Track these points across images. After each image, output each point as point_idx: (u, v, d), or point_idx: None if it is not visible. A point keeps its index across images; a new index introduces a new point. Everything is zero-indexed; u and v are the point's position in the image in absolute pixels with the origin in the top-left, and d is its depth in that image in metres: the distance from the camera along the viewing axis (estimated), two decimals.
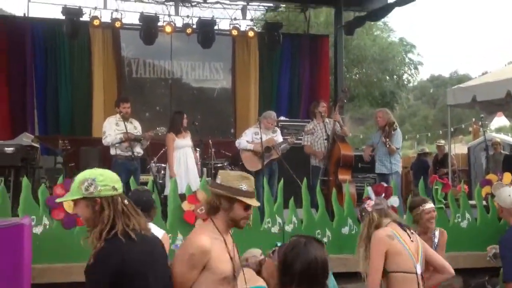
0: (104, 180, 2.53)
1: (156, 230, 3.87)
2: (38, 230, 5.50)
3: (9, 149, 7.29)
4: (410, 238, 3.60)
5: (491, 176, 7.17)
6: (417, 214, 4.53)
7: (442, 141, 12.09)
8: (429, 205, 4.59)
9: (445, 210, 6.68)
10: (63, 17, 10.65)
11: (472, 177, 12.41)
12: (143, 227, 2.57)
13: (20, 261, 4.64)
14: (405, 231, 3.63)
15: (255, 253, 4.53)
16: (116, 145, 7.50)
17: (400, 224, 3.68)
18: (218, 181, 2.80)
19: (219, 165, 9.63)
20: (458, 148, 15.95)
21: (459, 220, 6.75)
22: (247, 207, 2.80)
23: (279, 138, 8.18)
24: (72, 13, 10.61)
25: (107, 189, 2.52)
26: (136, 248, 2.47)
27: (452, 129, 10.73)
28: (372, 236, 3.62)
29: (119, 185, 2.57)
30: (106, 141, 7.57)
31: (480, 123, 10.56)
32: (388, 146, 7.62)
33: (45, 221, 5.55)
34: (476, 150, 13.25)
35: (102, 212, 2.48)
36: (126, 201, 2.56)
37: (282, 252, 2.55)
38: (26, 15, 11.22)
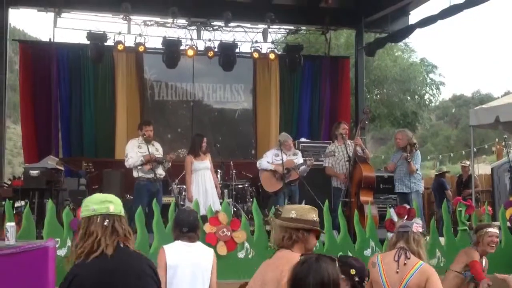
0: (87, 201, 2.64)
1: (207, 249, 3.95)
2: (62, 252, 5.57)
3: (34, 172, 7.42)
4: (397, 268, 3.59)
5: None
6: (480, 235, 4.96)
7: (467, 162, 11.94)
8: (493, 230, 4.98)
9: (468, 232, 6.60)
10: (88, 42, 10.86)
11: (495, 198, 12.22)
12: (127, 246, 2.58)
13: (44, 284, 4.69)
14: (397, 261, 3.62)
15: None
16: (139, 167, 7.60)
17: (403, 252, 3.65)
18: (292, 215, 3.02)
19: (239, 186, 9.67)
20: (481, 169, 15.70)
21: None
22: (317, 236, 3.09)
23: (299, 160, 8.20)
24: (97, 38, 10.83)
25: (85, 210, 2.60)
26: (92, 268, 2.48)
27: (475, 150, 10.60)
28: None
29: (101, 206, 2.58)
30: (128, 163, 7.68)
31: (503, 143, 10.44)
32: (409, 162, 7.58)
33: (69, 243, 5.62)
34: (500, 171, 13.05)
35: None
36: (106, 222, 2.54)
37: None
38: (52, 40, 11.48)
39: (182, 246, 3.89)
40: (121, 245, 2.57)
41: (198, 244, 3.95)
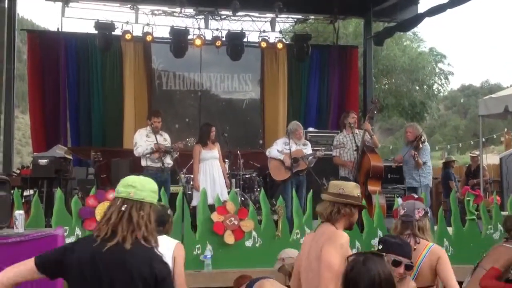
0: (120, 182, 2.61)
1: (168, 241, 3.89)
2: (70, 240, 5.60)
3: (43, 161, 7.46)
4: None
5: None
6: None
7: (476, 152, 11.89)
8: None
9: (477, 221, 6.58)
10: (96, 32, 10.86)
11: (504, 188, 12.18)
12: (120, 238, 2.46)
13: None
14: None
15: (291, 254, 4.60)
16: (147, 156, 7.64)
17: (412, 238, 3.67)
18: (341, 191, 3.22)
19: (247, 176, 9.68)
20: (490, 159, 15.63)
21: (492, 231, 6.66)
22: (361, 211, 3.34)
23: (308, 151, 8.19)
24: (105, 28, 10.82)
25: (116, 191, 2.60)
26: (86, 251, 2.45)
27: (483, 139, 10.55)
28: None
29: (124, 189, 2.53)
30: (138, 151, 7.72)
31: None
32: (416, 159, 7.58)
33: (78, 231, 5.67)
34: (509, 161, 13.00)
35: None
36: (123, 207, 2.48)
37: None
38: (60, 30, 11.49)
39: None
40: (137, 239, 2.46)
41: (163, 237, 3.90)
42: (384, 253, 3.19)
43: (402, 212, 3.81)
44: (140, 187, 2.51)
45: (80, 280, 2.42)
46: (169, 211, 4.11)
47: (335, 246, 3.05)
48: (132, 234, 2.44)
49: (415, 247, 3.61)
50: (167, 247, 3.82)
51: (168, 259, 3.77)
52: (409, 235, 3.69)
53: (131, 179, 2.56)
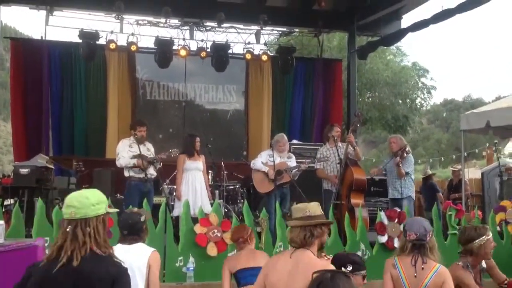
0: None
1: (144, 249, 3.85)
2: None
3: (24, 170, 7.39)
4: (415, 272, 3.65)
5: (505, 203, 7.12)
6: (481, 245, 4.13)
7: (458, 167, 12.00)
8: (491, 234, 4.28)
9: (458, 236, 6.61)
10: (80, 40, 10.81)
11: (485, 203, 12.29)
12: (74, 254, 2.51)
13: None
14: (414, 265, 3.67)
15: None
16: (130, 167, 7.57)
17: (419, 258, 3.69)
18: (308, 214, 3.18)
19: (231, 187, 9.66)
20: (472, 173, 15.79)
21: None
22: (329, 228, 3.31)
23: (293, 163, 8.20)
24: (89, 37, 10.77)
25: (63, 212, 2.62)
26: (37, 272, 2.52)
27: (465, 154, 10.67)
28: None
29: (65, 211, 2.57)
30: (119, 162, 7.64)
31: (494, 148, 10.50)
32: (399, 166, 7.61)
33: None
34: (490, 176, 13.13)
35: None
36: (68, 228, 2.53)
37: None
38: (44, 38, 11.41)
39: (120, 249, 3.69)
40: (87, 252, 2.51)
41: (138, 245, 3.87)
42: (354, 273, 3.31)
43: (412, 236, 3.72)
44: (79, 205, 2.53)
45: None
46: (142, 218, 4.00)
47: None
48: (79, 252, 2.48)
49: (422, 266, 3.64)
50: (143, 254, 3.78)
51: (143, 266, 3.74)
52: (418, 256, 3.70)
53: (70, 199, 2.58)
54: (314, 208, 3.25)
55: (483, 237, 4.15)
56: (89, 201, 2.55)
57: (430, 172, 12.64)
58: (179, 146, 8.52)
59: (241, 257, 4.69)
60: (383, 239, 6.51)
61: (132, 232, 3.87)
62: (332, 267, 3.03)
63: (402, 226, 6.30)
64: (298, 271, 3.07)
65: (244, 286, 4.46)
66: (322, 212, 3.31)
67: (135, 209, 4.43)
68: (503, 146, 21.64)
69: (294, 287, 3.06)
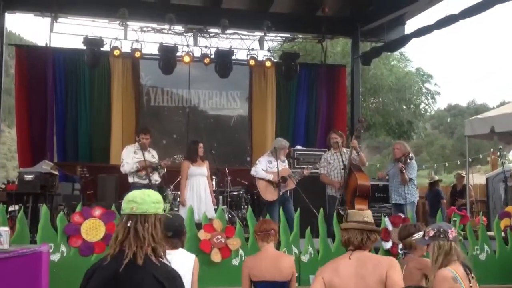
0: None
1: (187, 255, 3.87)
2: (55, 257, 5.55)
3: (28, 177, 7.40)
4: (470, 283, 3.50)
5: (510, 208, 7.11)
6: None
7: (463, 172, 11.98)
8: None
9: (463, 242, 6.60)
10: (84, 47, 10.86)
11: (490, 208, 12.25)
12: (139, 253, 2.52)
13: None
14: (468, 274, 3.54)
15: None
16: (134, 173, 7.59)
17: (464, 266, 3.59)
18: (366, 219, 3.35)
19: (234, 193, 9.66)
20: (476, 179, 15.72)
21: (478, 252, 6.68)
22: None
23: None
24: (93, 44, 10.82)
25: (123, 207, 2.62)
26: (102, 270, 2.52)
27: (470, 159, 10.64)
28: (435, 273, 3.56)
29: (126, 206, 2.59)
30: (124, 169, 7.67)
31: (498, 153, 10.47)
32: (403, 172, 7.62)
33: (63, 248, 5.60)
34: (495, 181, 13.09)
35: None
36: (129, 223, 2.54)
37: None
38: (48, 45, 11.47)
39: None
40: (146, 254, 2.52)
41: (180, 251, 3.88)
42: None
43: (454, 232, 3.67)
44: (140, 201, 2.57)
45: None
46: (184, 222, 4.04)
47: (399, 271, 3.20)
48: (142, 249, 2.51)
49: (472, 276, 3.58)
50: (188, 261, 3.80)
51: (188, 273, 3.76)
52: (464, 265, 3.62)
53: (132, 194, 2.62)
54: (370, 215, 3.42)
55: (421, 232, 4.21)
56: (150, 199, 2.60)
57: (436, 177, 12.61)
58: (183, 152, 8.53)
59: (262, 263, 4.39)
60: (388, 245, 6.50)
61: (176, 235, 3.87)
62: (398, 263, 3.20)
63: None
64: (367, 269, 3.18)
65: None
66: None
67: (177, 213, 4.43)
68: (508, 152, 21.55)
69: (367, 285, 3.15)
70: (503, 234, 6.91)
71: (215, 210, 7.16)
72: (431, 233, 3.65)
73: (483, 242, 6.68)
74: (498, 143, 10.36)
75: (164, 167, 7.84)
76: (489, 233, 6.94)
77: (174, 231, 3.83)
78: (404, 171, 7.66)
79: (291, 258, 4.66)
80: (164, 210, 2.69)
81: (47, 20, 11.25)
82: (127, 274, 2.46)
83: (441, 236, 3.60)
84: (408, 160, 7.81)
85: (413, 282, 4.14)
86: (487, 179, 13.68)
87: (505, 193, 10.44)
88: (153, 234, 2.55)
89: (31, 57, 11.50)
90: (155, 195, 2.64)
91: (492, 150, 16.21)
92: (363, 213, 3.42)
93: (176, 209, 8.45)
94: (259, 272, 4.34)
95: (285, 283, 4.34)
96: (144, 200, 2.58)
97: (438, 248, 3.59)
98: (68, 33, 11.47)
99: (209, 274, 5.96)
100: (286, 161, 8.49)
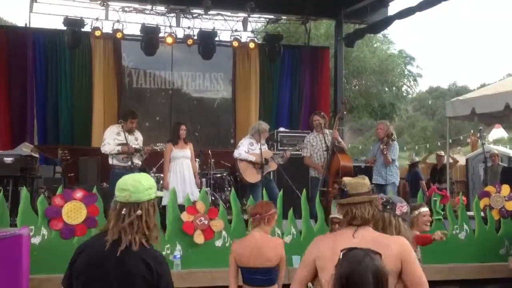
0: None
1: None
2: (36, 240, 5.51)
3: (8, 159, 7.29)
4: None
5: (489, 188, 7.20)
6: (415, 217, 4.62)
7: (442, 152, 12.13)
8: (425, 209, 4.74)
9: (443, 221, 6.69)
10: (65, 28, 10.69)
11: (470, 188, 12.44)
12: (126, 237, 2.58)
13: (18, 272, 4.64)
14: None
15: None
16: (113, 154, 7.49)
17: None
18: (368, 189, 2.92)
19: (218, 175, 9.66)
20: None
21: (457, 231, 6.77)
22: None
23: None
24: (74, 24, 10.65)
25: (116, 195, 2.68)
26: (94, 252, 2.58)
27: (450, 141, 10.76)
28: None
29: (120, 194, 2.64)
30: (104, 149, 7.55)
31: (478, 135, 10.59)
32: (385, 153, 7.68)
33: (44, 231, 5.56)
34: (474, 162, 13.28)
35: None
36: (123, 211, 2.60)
37: (344, 266, 2.15)
38: (28, 26, 11.26)
39: None
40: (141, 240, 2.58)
41: None
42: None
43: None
44: (133, 190, 2.61)
45: (88, 280, 2.56)
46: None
47: (415, 258, 2.83)
48: (136, 236, 2.57)
49: None
50: None
51: None
52: None
53: (124, 182, 2.65)
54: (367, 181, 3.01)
55: (415, 211, 4.58)
56: (142, 186, 2.63)
57: (417, 159, 12.75)
58: (166, 134, 8.48)
59: (247, 250, 4.32)
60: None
61: None
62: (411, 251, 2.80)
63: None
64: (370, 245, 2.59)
65: (252, 286, 4.30)
66: None
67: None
68: (488, 133, 21.84)
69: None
70: (482, 213, 7.01)
71: (200, 192, 7.15)
72: (380, 202, 3.23)
73: (463, 221, 6.77)
74: (478, 124, 10.46)
75: (146, 153, 7.75)
76: (468, 213, 7.04)
77: None
78: (385, 152, 7.71)
79: (278, 241, 4.59)
80: (156, 193, 2.72)
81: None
82: (118, 258, 2.53)
83: (388, 207, 3.20)
84: (391, 142, 7.86)
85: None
86: (467, 160, 13.89)
87: (485, 174, 10.58)
88: (147, 221, 2.61)
89: (10, 38, 11.27)
90: (147, 181, 2.68)
91: (472, 131, 16.42)
92: (366, 183, 2.97)
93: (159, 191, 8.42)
94: (244, 258, 4.31)
95: (271, 268, 4.31)
96: (137, 188, 2.62)
97: (379, 220, 3.13)
98: (48, 13, 11.30)
99: (192, 255, 5.98)
100: (266, 145, 8.51)
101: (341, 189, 2.98)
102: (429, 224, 4.80)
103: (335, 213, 4.34)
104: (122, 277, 2.52)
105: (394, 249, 2.72)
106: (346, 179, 2.99)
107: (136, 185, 2.62)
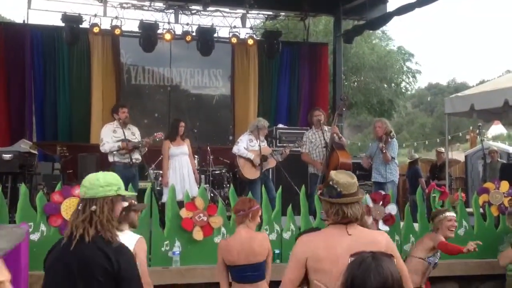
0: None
1: (130, 237, 3.81)
2: (35, 237, 5.50)
3: (7, 156, 7.29)
4: None
5: (488, 185, 7.20)
6: (440, 221, 4.93)
7: (442, 149, 12.13)
8: (451, 214, 4.98)
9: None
10: (63, 24, 10.67)
11: (469, 185, 12.44)
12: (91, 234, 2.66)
13: (17, 268, 4.63)
14: None
15: None
16: (114, 152, 7.50)
17: None
18: (356, 189, 2.90)
19: (216, 172, 9.65)
20: (456, 156, 15.96)
21: (457, 227, 6.76)
22: None
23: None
24: (72, 20, 10.63)
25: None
26: (57, 249, 2.73)
27: (449, 137, 10.75)
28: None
29: (80, 189, 2.79)
30: (104, 148, 7.57)
31: (477, 131, 10.59)
32: (384, 152, 7.64)
33: (42, 227, 5.55)
34: (473, 158, 13.28)
35: None
36: (79, 206, 2.71)
37: (349, 269, 2.09)
38: (26, 22, 11.23)
39: None
40: (95, 234, 2.66)
41: (126, 233, 3.79)
42: None
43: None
44: (89, 186, 2.73)
45: (54, 276, 2.70)
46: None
47: (397, 252, 2.89)
48: (89, 229, 2.65)
49: None
50: (131, 242, 3.74)
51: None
52: None
53: (85, 178, 2.78)
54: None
55: (440, 215, 5.03)
56: (99, 183, 2.73)
57: (416, 156, 12.74)
58: (165, 131, 8.48)
59: (234, 248, 4.28)
60: (369, 221, 6.55)
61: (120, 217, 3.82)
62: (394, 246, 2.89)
63: (386, 208, 6.37)
64: (361, 248, 2.46)
65: (242, 283, 4.27)
66: None
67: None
68: (487, 129, 21.86)
69: None
70: (481, 210, 7.01)
71: (199, 188, 7.15)
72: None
73: (462, 218, 6.77)
74: (477, 120, 10.46)
75: (146, 145, 7.77)
76: (467, 209, 7.04)
77: None
78: (385, 150, 7.67)
79: (263, 236, 4.57)
80: (117, 191, 2.77)
81: None
82: (76, 251, 2.63)
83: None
84: (389, 139, 7.82)
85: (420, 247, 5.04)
86: (466, 156, 13.88)
87: (484, 170, 10.60)
88: (99, 216, 2.68)
89: (8, 35, 11.23)
90: (105, 178, 2.76)
91: (471, 128, 16.43)
92: (356, 182, 2.95)
93: (158, 188, 8.42)
94: (231, 257, 4.29)
95: (260, 264, 4.30)
96: (93, 185, 2.72)
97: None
98: (46, 9, 11.26)
99: (191, 252, 5.98)
100: (265, 141, 8.50)
101: (330, 186, 2.93)
102: (453, 229, 4.89)
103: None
104: (80, 267, 2.61)
105: (384, 244, 2.80)
106: (335, 177, 2.94)
107: (93, 181, 2.73)
